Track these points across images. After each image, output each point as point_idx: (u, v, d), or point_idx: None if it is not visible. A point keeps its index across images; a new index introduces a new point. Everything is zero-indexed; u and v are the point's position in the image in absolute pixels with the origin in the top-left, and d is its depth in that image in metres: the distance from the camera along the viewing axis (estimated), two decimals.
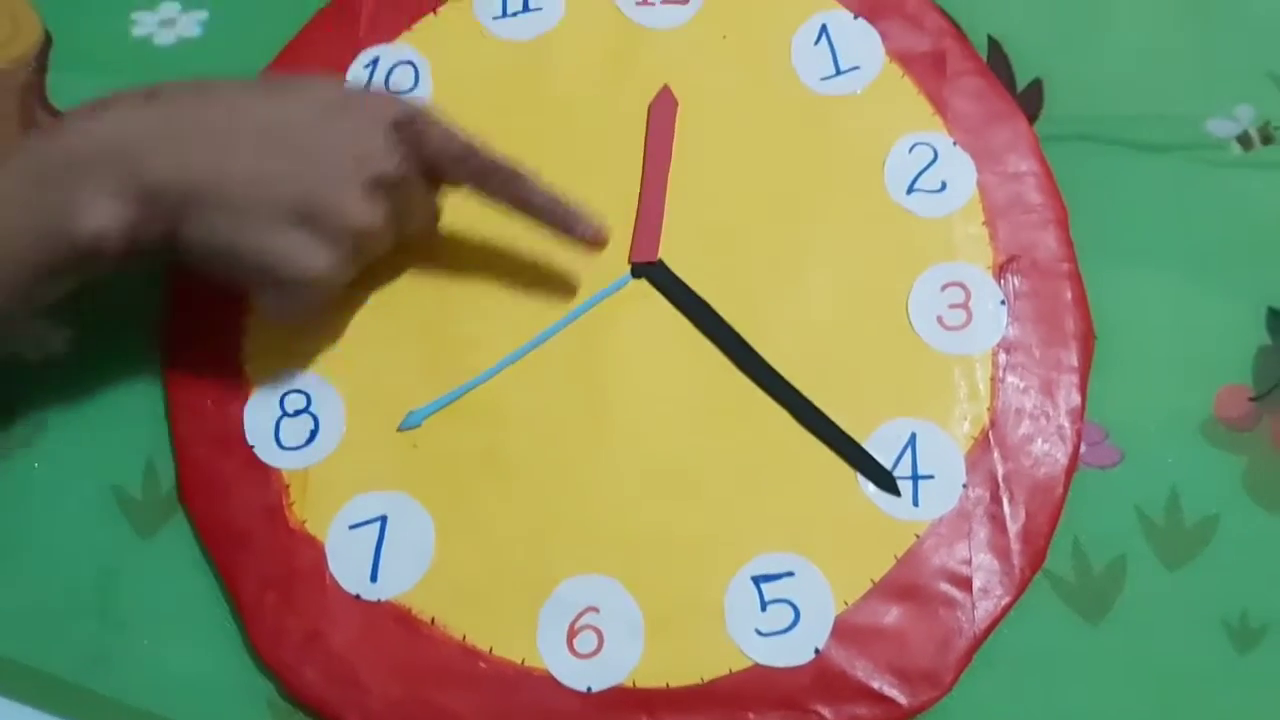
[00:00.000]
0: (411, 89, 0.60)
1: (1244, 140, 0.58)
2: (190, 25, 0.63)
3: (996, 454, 0.52)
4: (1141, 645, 0.50)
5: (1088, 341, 0.54)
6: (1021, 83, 0.60)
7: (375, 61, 0.60)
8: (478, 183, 0.53)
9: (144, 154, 0.47)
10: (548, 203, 0.53)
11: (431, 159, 0.51)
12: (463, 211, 0.57)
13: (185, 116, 0.48)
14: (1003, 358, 0.54)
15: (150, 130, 0.47)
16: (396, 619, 0.51)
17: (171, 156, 0.47)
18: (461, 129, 0.52)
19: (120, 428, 0.55)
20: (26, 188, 0.47)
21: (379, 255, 0.53)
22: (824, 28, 0.60)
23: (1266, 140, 0.58)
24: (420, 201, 0.53)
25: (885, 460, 0.52)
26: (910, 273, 0.55)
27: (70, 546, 0.53)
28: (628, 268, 0.56)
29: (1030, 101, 0.59)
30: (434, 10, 0.61)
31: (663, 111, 0.58)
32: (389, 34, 0.61)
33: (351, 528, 0.52)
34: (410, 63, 0.60)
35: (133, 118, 0.48)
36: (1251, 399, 0.54)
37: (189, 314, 0.56)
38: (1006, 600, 0.50)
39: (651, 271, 0.56)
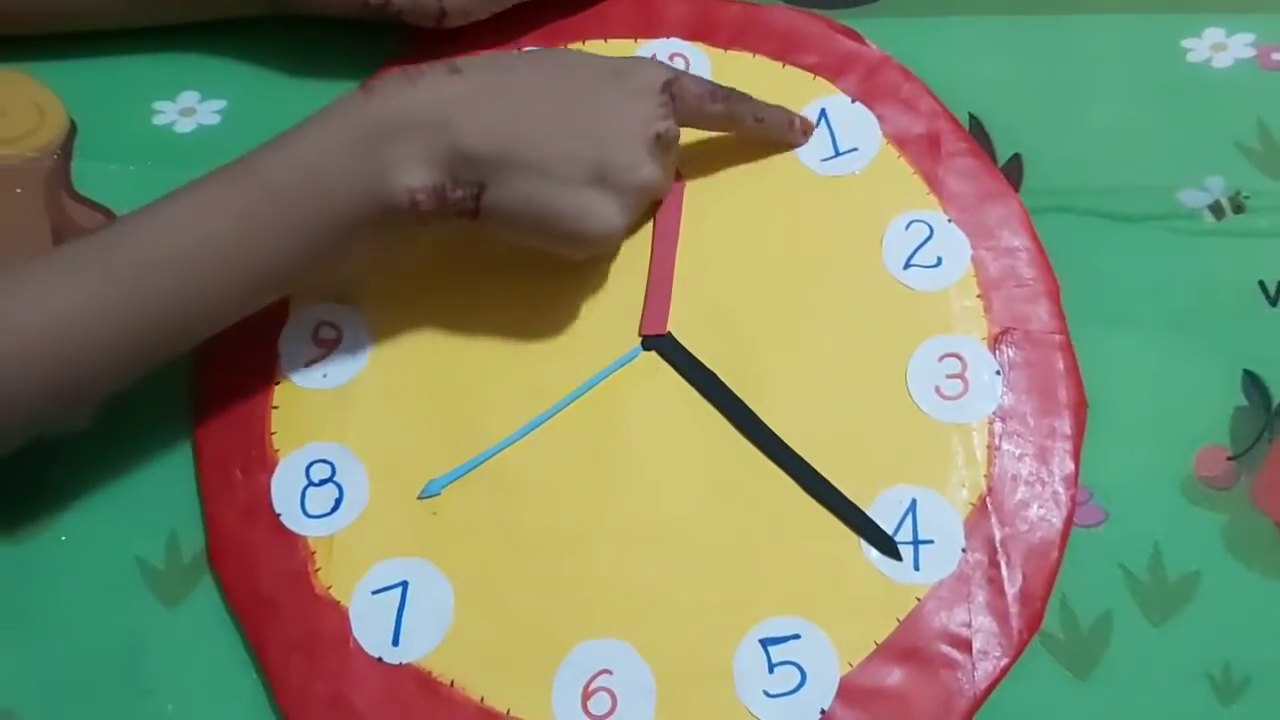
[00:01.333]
0: None
1: (1216, 209, 0.60)
2: (209, 114, 0.66)
3: (994, 519, 0.54)
4: (1129, 699, 0.52)
5: (1080, 410, 0.56)
6: (1002, 158, 0.62)
7: None
8: (725, 118, 0.59)
9: (454, 122, 0.51)
10: (776, 114, 0.61)
11: (690, 111, 0.57)
12: (478, 287, 0.59)
13: (488, 88, 0.53)
14: (999, 426, 0.56)
15: (459, 100, 0.52)
16: (417, 682, 0.52)
17: (479, 124, 0.51)
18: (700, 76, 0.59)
19: (145, 500, 0.57)
20: (347, 147, 0.51)
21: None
22: (823, 111, 0.63)
23: (1237, 209, 0.60)
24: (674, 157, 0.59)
25: (887, 526, 0.54)
26: (908, 344, 0.57)
27: (97, 616, 0.54)
28: (638, 340, 0.58)
29: (1010, 175, 0.62)
30: None
31: (670, 192, 0.61)
32: None
33: (374, 593, 0.54)
34: None
35: (442, 89, 0.52)
36: (1230, 458, 0.55)
37: (216, 388, 0.58)
38: (1005, 661, 0.52)
39: (661, 344, 0.58)
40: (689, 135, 0.61)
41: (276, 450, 0.57)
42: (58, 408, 0.52)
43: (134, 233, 0.51)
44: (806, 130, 0.61)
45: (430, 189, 0.51)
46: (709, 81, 0.58)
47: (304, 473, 0.56)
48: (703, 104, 0.57)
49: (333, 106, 0.52)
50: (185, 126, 0.66)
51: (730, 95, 0.59)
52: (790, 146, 0.61)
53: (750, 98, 0.59)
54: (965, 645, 0.52)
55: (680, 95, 0.56)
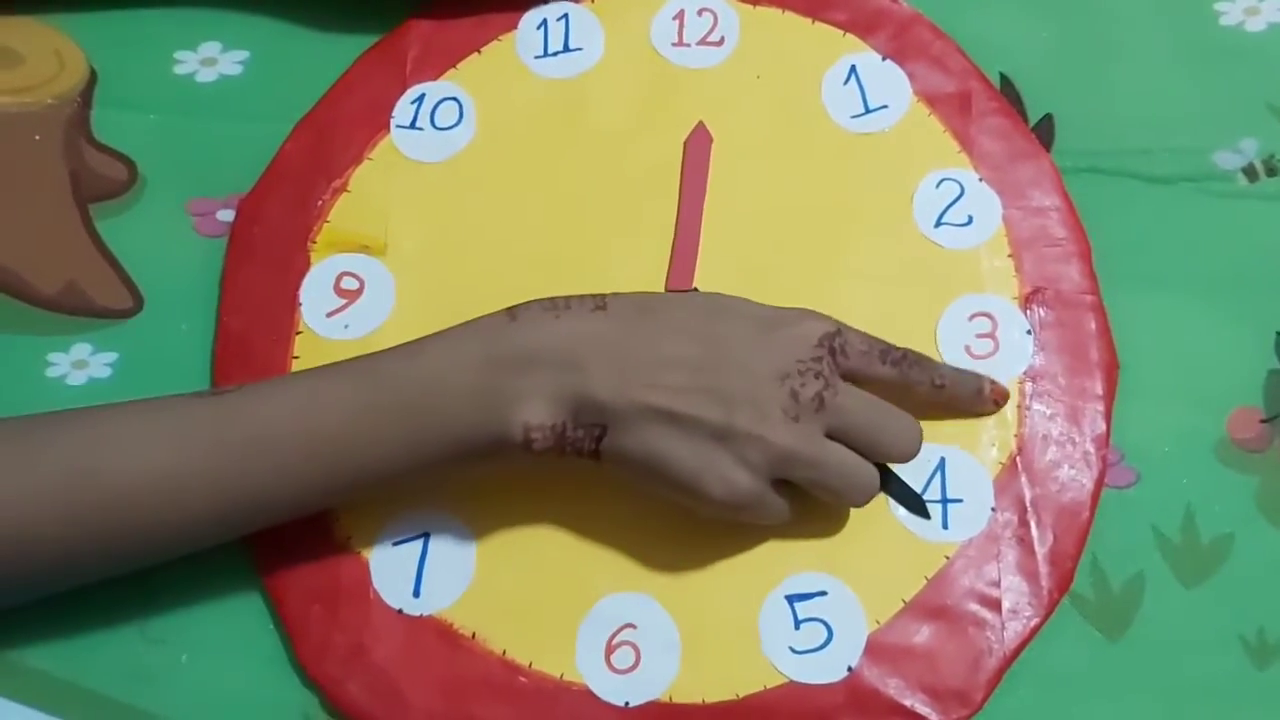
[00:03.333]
0: (456, 124, 0.62)
1: (1249, 172, 0.60)
2: (230, 65, 0.65)
3: (1024, 479, 0.54)
4: (1161, 662, 0.51)
5: (1112, 371, 0.56)
6: (1033, 118, 0.62)
7: (421, 98, 0.62)
8: (899, 381, 0.53)
9: (586, 364, 0.48)
10: (962, 379, 0.54)
11: (856, 370, 0.51)
12: (502, 242, 0.59)
13: (628, 332, 0.49)
14: (1029, 386, 0.55)
15: (596, 341, 0.49)
16: (438, 633, 0.52)
17: (610, 370, 0.48)
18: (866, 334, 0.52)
19: None
20: (475, 370, 0.49)
21: (834, 483, 0.51)
22: (853, 68, 0.62)
23: (1271, 172, 0.60)
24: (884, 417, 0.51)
25: (915, 484, 0.53)
26: (939, 303, 0.57)
27: None
28: None
29: (1042, 135, 0.61)
30: (478, 50, 0.63)
31: (698, 147, 0.60)
32: (434, 72, 0.63)
33: (395, 544, 0.53)
34: (455, 99, 0.62)
35: (581, 326, 0.49)
36: (1263, 420, 0.55)
37: (237, 337, 0.58)
38: (1035, 621, 0.51)
39: None
40: (713, 84, 0.61)
41: None
42: (122, 565, 0.50)
43: (248, 410, 0.49)
44: (1000, 397, 0.54)
45: (549, 428, 0.49)
46: (879, 341, 0.53)
47: None
48: (870, 364, 0.52)
49: (472, 324, 0.50)
50: (207, 76, 0.65)
51: (905, 359, 0.53)
52: (981, 414, 0.55)
53: (929, 361, 0.53)
54: (995, 604, 0.52)
55: (842, 352, 0.51)
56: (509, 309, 0.50)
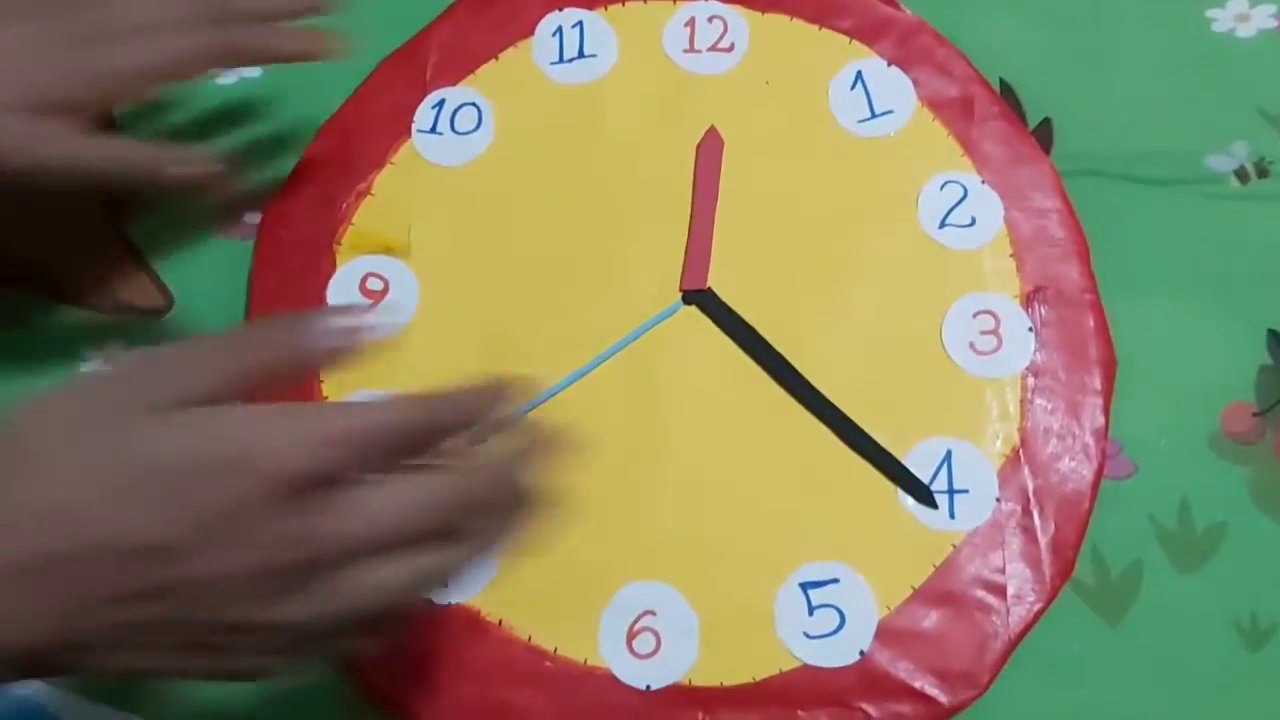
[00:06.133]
0: (476, 129, 0.63)
1: (1241, 174, 0.62)
2: (249, 67, 0.66)
3: (1027, 470, 0.56)
4: (1158, 645, 0.53)
5: (1110, 367, 0.57)
6: (1032, 122, 0.63)
7: (441, 103, 0.63)
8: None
9: None
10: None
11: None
12: (522, 243, 0.61)
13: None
14: (1031, 381, 0.57)
15: None
16: (466, 621, 0.54)
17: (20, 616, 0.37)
18: None
19: None
20: None
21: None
22: (859, 74, 0.64)
23: (1262, 174, 0.62)
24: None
25: (923, 476, 0.55)
26: (943, 301, 0.59)
27: None
28: (679, 295, 0.59)
29: (1041, 139, 0.63)
30: (495, 56, 0.65)
31: (710, 151, 0.62)
32: (453, 78, 0.64)
33: None
34: (474, 105, 0.63)
35: None
36: (1255, 414, 0.57)
37: None
38: (1039, 606, 0.53)
39: (701, 298, 0.59)
40: (724, 90, 0.63)
41: (325, 398, 0.57)
42: None
43: None
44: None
45: None
46: None
47: None
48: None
49: None
50: (227, 78, 0.66)
51: None
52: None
53: None
54: (1000, 590, 0.54)
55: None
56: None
